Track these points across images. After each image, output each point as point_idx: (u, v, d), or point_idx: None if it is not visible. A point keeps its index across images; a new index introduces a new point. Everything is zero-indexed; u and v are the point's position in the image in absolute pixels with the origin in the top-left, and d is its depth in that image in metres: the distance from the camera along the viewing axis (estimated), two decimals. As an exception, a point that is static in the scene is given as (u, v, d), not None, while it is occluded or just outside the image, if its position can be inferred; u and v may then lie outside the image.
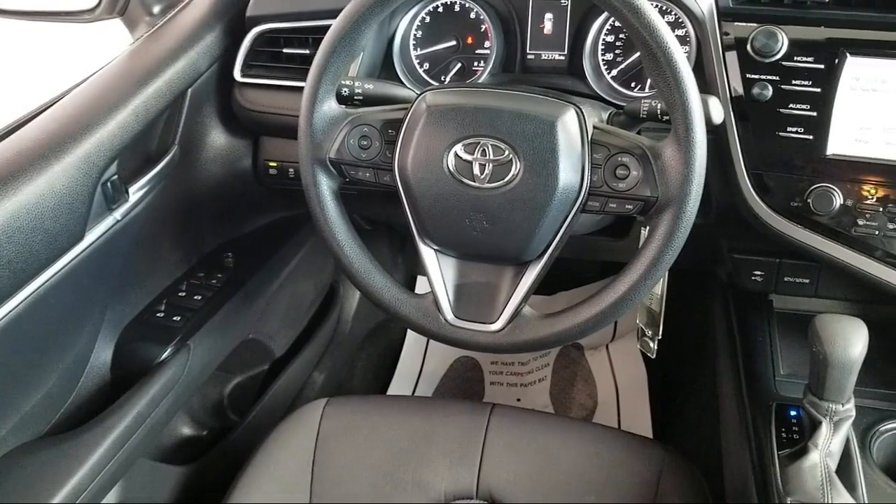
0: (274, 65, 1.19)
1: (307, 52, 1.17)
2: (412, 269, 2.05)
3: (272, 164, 1.28)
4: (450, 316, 0.91)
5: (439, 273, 0.92)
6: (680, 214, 0.79)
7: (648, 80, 1.09)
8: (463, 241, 0.88)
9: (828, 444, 0.89)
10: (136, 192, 1.08)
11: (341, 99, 0.94)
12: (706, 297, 1.45)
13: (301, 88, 0.90)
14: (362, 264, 0.93)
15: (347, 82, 0.95)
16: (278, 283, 1.41)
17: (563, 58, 1.14)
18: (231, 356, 1.30)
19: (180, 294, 1.22)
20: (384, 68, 1.18)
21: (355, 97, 0.95)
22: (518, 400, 1.92)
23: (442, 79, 1.18)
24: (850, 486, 0.88)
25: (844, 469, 0.90)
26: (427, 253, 0.92)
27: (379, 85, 0.96)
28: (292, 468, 1.10)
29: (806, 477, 0.88)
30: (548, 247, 0.87)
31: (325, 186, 0.92)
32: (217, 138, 1.25)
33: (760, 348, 1.15)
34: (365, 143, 0.89)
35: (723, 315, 1.29)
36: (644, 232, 0.86)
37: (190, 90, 1.16)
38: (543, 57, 1.15)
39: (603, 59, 1.11)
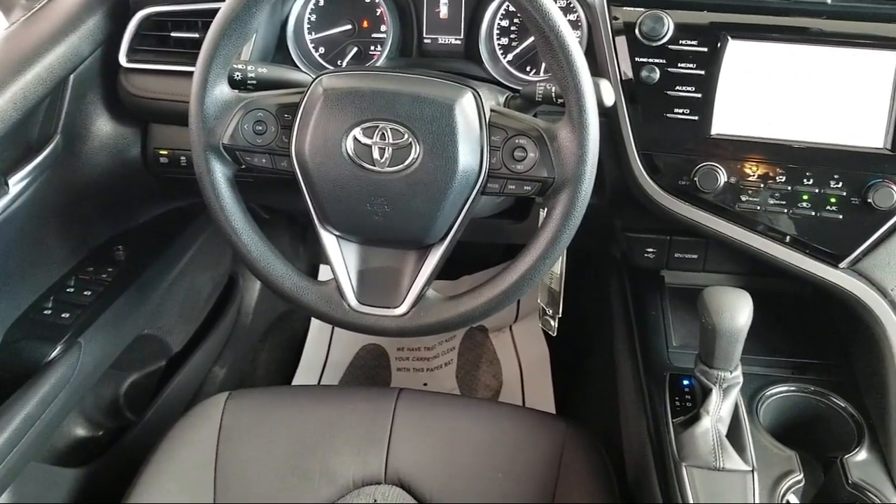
0: (162, 49, 1.15)
1: (196, 35, 1.13)
2: (314, 258, 2.02)
3: (163, 152, 1.23)
4: (353, 302, 0.90)
5: (341, 259, 0.91)
6: (576, 194, 0.81)
7: (543, 65, 1.11)
8: (364, 227, 0.88)
9: (718, 410, 0.94)
10: (16, 183, 1.02)
11: (234, 83, 0.91)
12: (603, 276, 1.49)
13: (191, 73, 0.87)
14: (261, 252, 0.91)
15: (240, 66, 0.92)
16: (173, 275, 1.36)
17: (459, 42, 1.14)
18: (125, 353, 1.25)
19: (68, 290, 1.16)
20: (278, 52, 1.15)
21: (248, 81, 0.93)
22: (425, 385, 1.93)
23: (338, 63, 1.16)
24: (740, 449, 0.93)
25: (734, 433, 0.96)
26: (328, 239, 0.91)
27: (273, 69, 0.94)
28: (193, 465, 1.07)
29: (699, 442, 0.93)
30: (450, 230, 0.87)
31: (220, 173, 0.89)
32: (103, 126, 1.20)
33: (654, 322, 1.19)
34: (260, 128, 0.87)
35: (618, 292, 1.33)
36: (543, 213, 0.88)
37: (72, 76, 1.10)
38: (440, 41, 1.15)
39: (498, 44, 1.13)
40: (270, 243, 0.92)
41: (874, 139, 0.94)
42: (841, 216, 0.96)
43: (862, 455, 0.96)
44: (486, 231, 1.37)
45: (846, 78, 0.94)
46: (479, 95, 0.84)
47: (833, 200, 0.96)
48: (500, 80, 1.11)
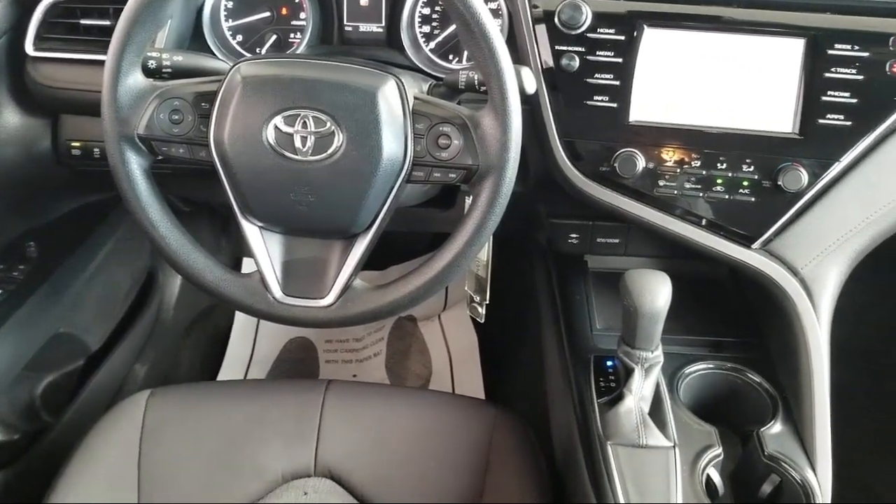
0: (71, 37, 1.10)
1: (107, 23, 1.09)
2: (237, 251, 1.98)
3: (75, 144, 1.18)
4: (278, 293, 0.89)
5: (265, 250, 0.90)
6: (500, 181, 0.82)
7: (465, 53, 1.12)
8: (288, 216, 0.87)
9: (640, 389, 0.96)
10: None
11: (148, 72, 0.88)
12: (528, 262, 1.52)
13: (102, 62, 0.84)
14: (181, 245, 0.89)
15: (154, 54, 0.89)
16: (89, 271, 1.32)
17: (381, 30, 1.14)
18: (41, 352, 1.20)
19: None
20: (194, 40, 1.12)
21: (163, 70, 0.90)
22: (354, 376, 1.93)
23: (257, 51, 1.14)
24: (662, 426, 0.96)
25: (656, 410, 0.99)
26: (251, 230, 0.89)
27: (189, 56, 0.91)
28: (116, 466, 1.04)
29: (623, 421, 0.95)
30: (375, 218, 0.87)
31: (135, 165, 0.86)
32: (10, 119, 1.14)
33: (578, 306, 1.22)
34: (176, 117, 0.85)
35: (544, 277, 1.36)
36: (468, 201, 0.89)
37: None
38: (361, 29, 1.14)
39: (420, 32, 1.12)
40: (190, 236, 0.90)
41: (783, 124, 0.98)
42: (753, 199, 1.00)
43: (777, 428, 1.00)
44: (413, 220, 1.37)
45: (757, 65, 0.97)
46: (402, 83, 0.84)
47: (746, 184, 1.00)
48: (423, 67, 1.11)
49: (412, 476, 1.06)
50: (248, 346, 1.95)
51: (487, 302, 1.20)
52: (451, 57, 1.12)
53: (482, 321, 1.24)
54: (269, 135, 0.82)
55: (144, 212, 0.87)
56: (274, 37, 1.14)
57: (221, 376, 1.88)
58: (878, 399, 1.65)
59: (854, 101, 0.95)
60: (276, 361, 1.93)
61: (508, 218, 0.85)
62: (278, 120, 0.82)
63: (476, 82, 0.88)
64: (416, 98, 0.85)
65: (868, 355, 1.63)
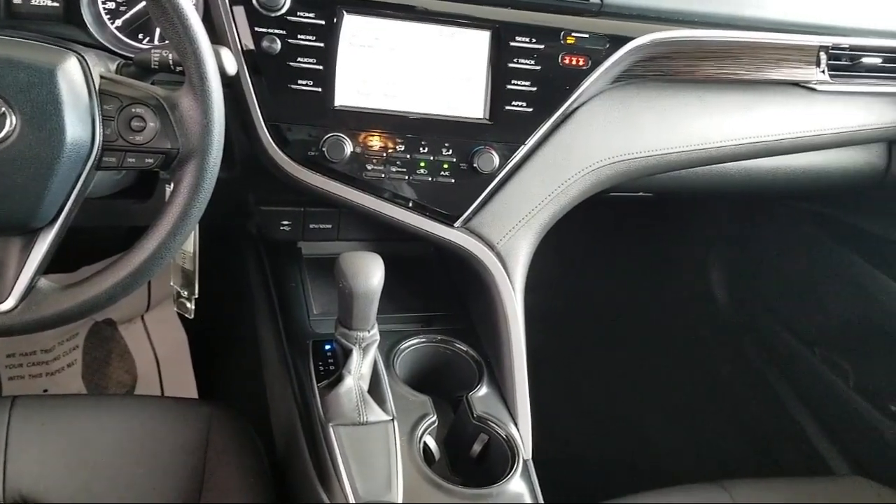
0: None
1: None
2: None
3: None
4: (-57, 301, 0.77)
5: None
6: (203, 165, 0.78)
7: (158, 32, 1.05)
8: None
9: (359, 369, 0.99)
10: None
11: None
12: (239, 252, 1.47)
13: None
14: None
15: None
16: None
17: (57, 4, 1.02)
18: None
19: None
20: None
21: None
22: (45, 391, 1.74)
23: None
24: (381, 401, 1.00)
25: (375, 387, 1.02)
26: None
27: None
28: None
29: (343, 401, 0.97)
30: (61, 210, 0.78)
31: None
32: None
33: (294, 294, 1.21)
34: None
35: (257, 267, 1.33)
36: (169, 189, 0.83)
37: None
38: (33, 3, 1.01)
39: (104, 8, 1.03)
40: None
41: (476, 110, 1.05)
42: (453, 180, 1.06)
43: (483, 391, 1.09)
44: (106, 213, 1.26)
45: (451, 54, 1.03)
46: (85, 60, 0.77)
47: (446, 166, 1.06)
48: (110, 46, 1.02)
49: (120, 488, 0.98)
50: None
51: (197, 296, 1.15)
52: (141, 36, 1.04)
53: (192, 317, 1.18)
54: (-79, 118, 0.70)
55: None
56: (-78, 9, 0.97)
57: None
58: (565, 358, 1.87)
59: (534, 89, 1.05)
60: (-56, 384, 1.67)
61: (215, 206, 0.82)
62: (-68, 101, 0.70)
63: (171, 62, 0.82)
64: (102, 77, 0.78)
65: (556, 320, 1.83)
